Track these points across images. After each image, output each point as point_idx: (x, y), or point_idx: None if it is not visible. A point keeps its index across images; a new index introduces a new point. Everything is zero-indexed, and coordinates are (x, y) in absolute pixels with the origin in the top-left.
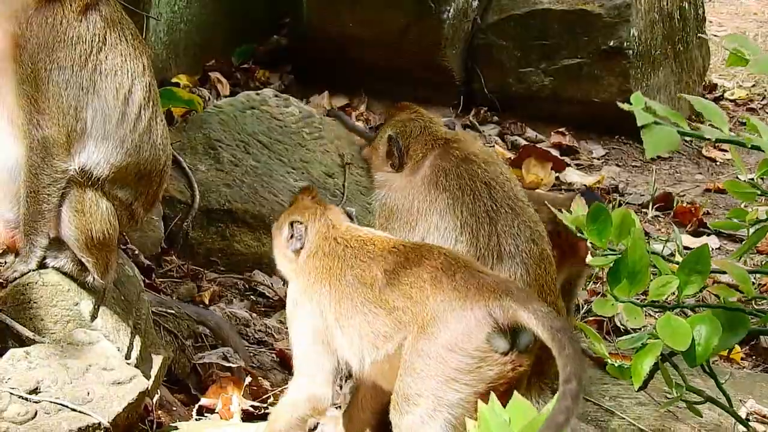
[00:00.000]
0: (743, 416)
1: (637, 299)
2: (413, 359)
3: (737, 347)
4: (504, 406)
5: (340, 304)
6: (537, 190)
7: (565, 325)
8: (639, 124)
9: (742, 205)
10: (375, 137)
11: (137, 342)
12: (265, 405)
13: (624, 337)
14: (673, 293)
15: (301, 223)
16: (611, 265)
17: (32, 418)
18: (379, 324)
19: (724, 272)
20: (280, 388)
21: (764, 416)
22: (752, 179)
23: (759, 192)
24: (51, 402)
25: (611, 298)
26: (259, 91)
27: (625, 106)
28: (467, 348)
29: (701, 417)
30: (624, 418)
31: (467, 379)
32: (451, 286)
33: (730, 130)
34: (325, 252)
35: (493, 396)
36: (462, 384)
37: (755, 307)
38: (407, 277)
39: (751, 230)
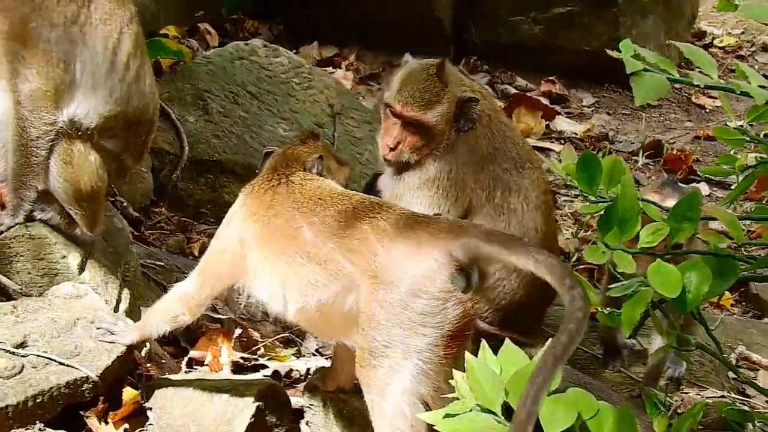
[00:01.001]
0: (733, 362)
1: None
2: (375, 311)
3: (727, 294)
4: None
5: (265, 249)
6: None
7: (539, 247)
8: (628, 71)
9: (732, 152)
10: (441, 95)
11: (126, 295)
12: (255, 357)
13: (614, 285)
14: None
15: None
16: (602, 213)
17: (19, 373)
18: (306, 272)
19: (714, 219)
20: (270, 339)
21: (754, 362)
22: (741, 126)
23: (748, 138)
24: (38, 356)
25: (602, 245)
26: (248, 42)
27: (614, 54)
28: (432, 290)
29: (691, 364)
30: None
31: (434, 322)
32: (399, 234)
33: (719, 77)
34: (264, 189)
35: (484, 344)
36: (430, 327)
37: (745, 253)
38: (342, 228)
39: (741, 177)
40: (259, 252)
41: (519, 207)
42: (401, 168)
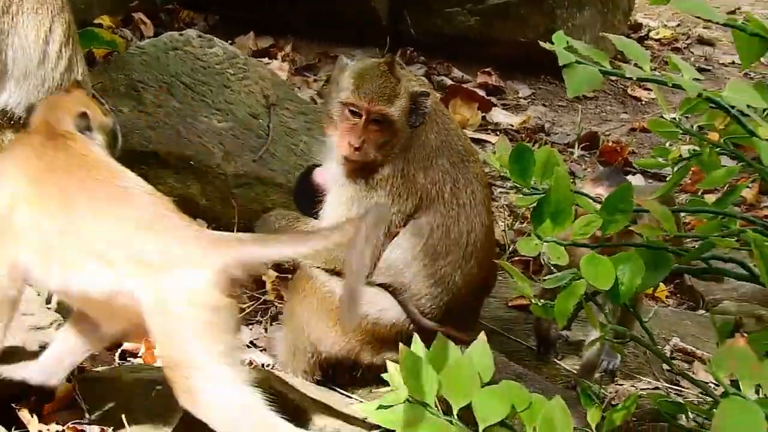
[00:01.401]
0: (667, 354)
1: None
2: (166, 323)
3: (662, 285)
4: None
5: (36, 212)
6: None
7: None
8: (560, 63)
9: (667, 144)
10: (398, 89)
11: None
12: None
13: (548, 277)
14: None
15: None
16: (535, 204)
17: None
18: (72, 255)
19: (648, 211)
20: None
21: (688, 353)
22: (675, 118)
23: (682, 131)
24: None
25: (535, 237)
26: (182, 32)
27: (547, 46)
28: (216, 303)
29: (625, 356)
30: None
31: (226, 327)
32: (178, 237)
33: (655, 69)
34: (36, 146)
35: (416, 339)
36: (224, 333)
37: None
38: (112, 216)
39: (675, 169)
40: (29, 215)
41: (468, 201)
42: (357, 169)
